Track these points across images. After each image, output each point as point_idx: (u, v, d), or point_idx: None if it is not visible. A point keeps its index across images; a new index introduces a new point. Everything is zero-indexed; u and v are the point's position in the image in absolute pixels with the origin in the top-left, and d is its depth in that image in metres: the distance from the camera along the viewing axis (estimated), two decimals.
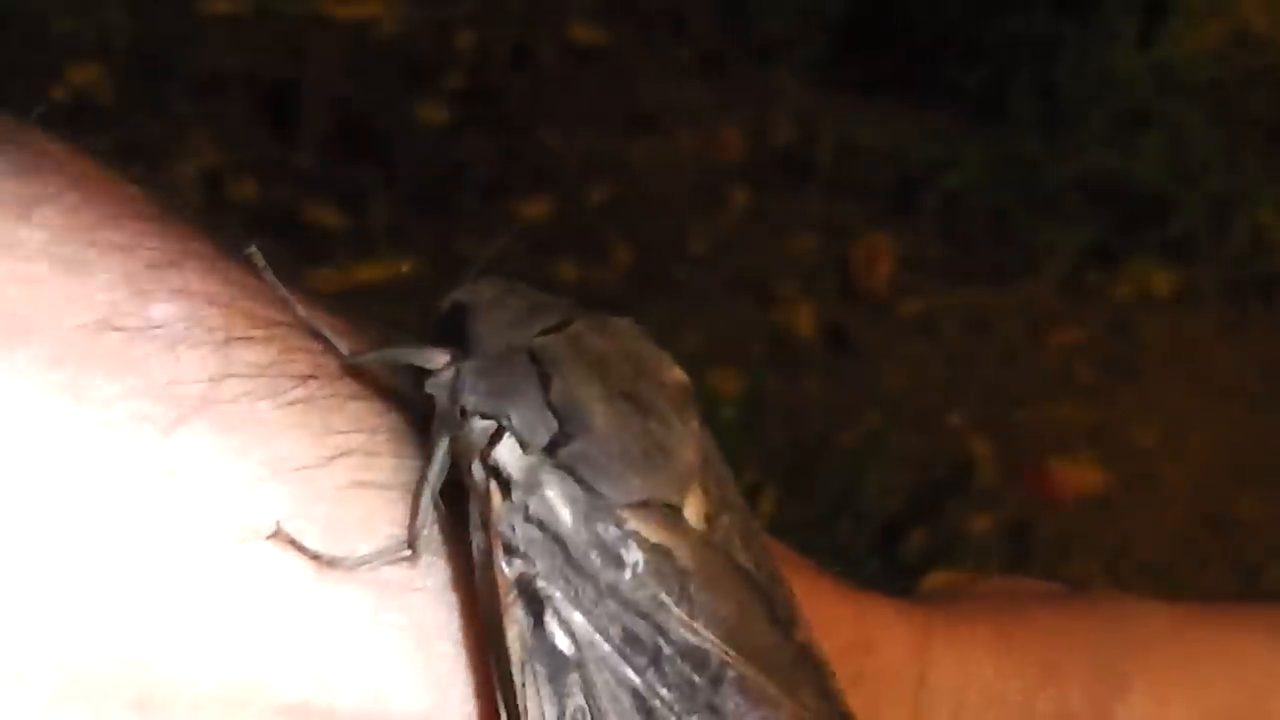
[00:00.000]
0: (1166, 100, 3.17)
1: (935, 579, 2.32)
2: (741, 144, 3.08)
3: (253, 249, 0.52)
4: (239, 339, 0.48)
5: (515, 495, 0.46)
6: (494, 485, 0.46)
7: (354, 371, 0.49)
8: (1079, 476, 2.58)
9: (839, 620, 0.61)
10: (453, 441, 0.47)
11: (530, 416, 0.46)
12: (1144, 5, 3.24)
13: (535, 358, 0.47)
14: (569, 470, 0.46)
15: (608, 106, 3.10)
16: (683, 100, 3.14)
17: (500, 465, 0.46)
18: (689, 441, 0.47)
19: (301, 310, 0.51)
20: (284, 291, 0.51)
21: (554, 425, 0.46)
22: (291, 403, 0.47)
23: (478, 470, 0.47)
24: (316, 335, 0.50)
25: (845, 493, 2.34)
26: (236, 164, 2.84)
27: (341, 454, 0.47)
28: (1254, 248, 2.99)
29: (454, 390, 0.48)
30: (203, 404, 0.46)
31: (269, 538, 0.45)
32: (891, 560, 2.28)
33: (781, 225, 2.95)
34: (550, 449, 0.46)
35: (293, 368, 0.48)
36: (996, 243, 2.94)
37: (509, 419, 0.46)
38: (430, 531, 0.47)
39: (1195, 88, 3.21)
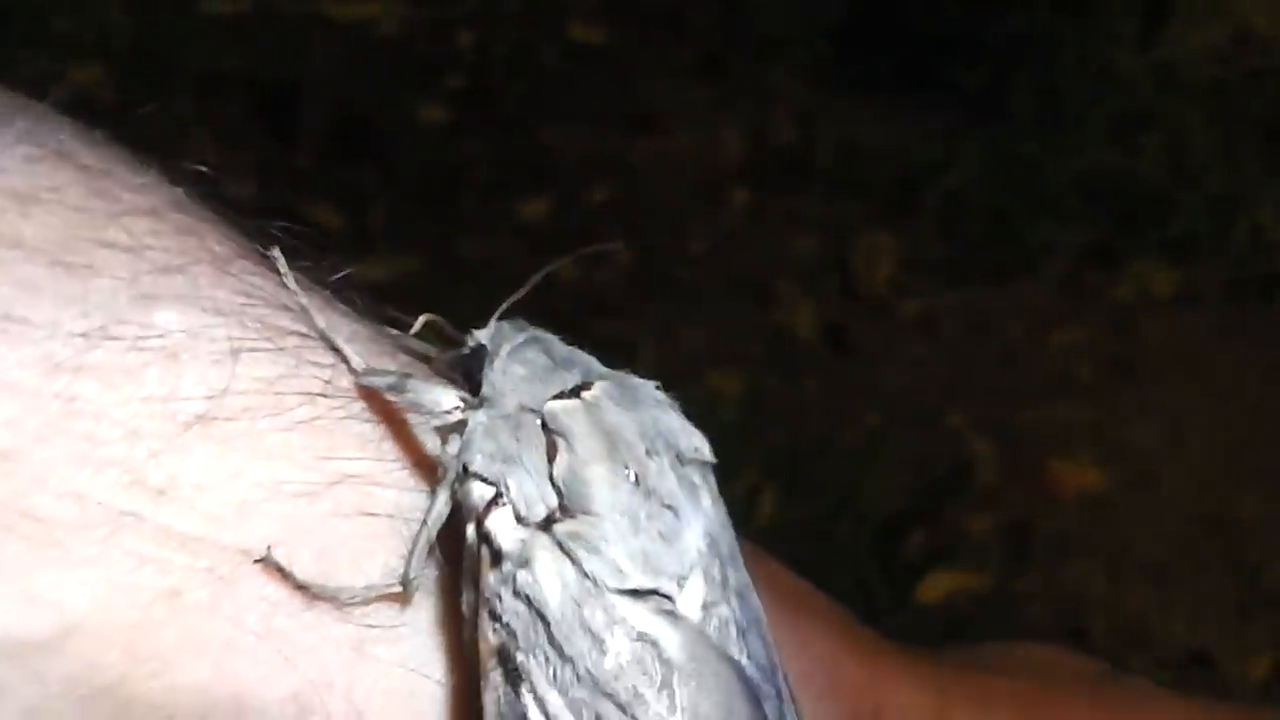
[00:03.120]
0: (1166, 100, 3.17)
1: (938, 581, 2.32)
2: (741, 144, 3.08)
3: (275, 251, 0.51)
4: (247, 350, 0.46)
5: (505, 566, 0.45)
6: (485, 551, 0.45)
7: (367, 391, 0.48)
8: (1079, 476, 2.58)
9: (850, 686, 0.61)
10: (454, 491, 0.46)
11: (530, 488, 0.45)
12: (1144, 5, 3.24)
13: (546, 424, 0.46)
14: (563, 548, 0.45)
15: (608, 106, 3.10)
16: (683, 100, 3.14)
17: (492, 535, 0.45)
18: (695, 526, 0.46)
19: (320, 320, 0.49)
20: (304, 299, 0.49)
21: (554, 500, 0.45)
22: (296, 423, 0.46)
23: (472, 532, 0.46)
24: (332, 348, 0.48)
25: (845, 493, 2.34)
26: (236, 164, 2.84)
27: (344, 479, 0.46)
28: (1254, 248, 2.99)
29: (462, 440, 0.46)
30: (200, 420, 0.44)
31: (258, 563, 0.44)
32: (891, 560, 2.28)
33: (781, 225, 2.95)
34: (547, 523, 0.45)
35: (301, 384, 0.47)
36: (996, 243, 2.94)
37: (508, 488, 0.45)
38: (426, 570, 0.46)
39: (1195, 88, 3.21)
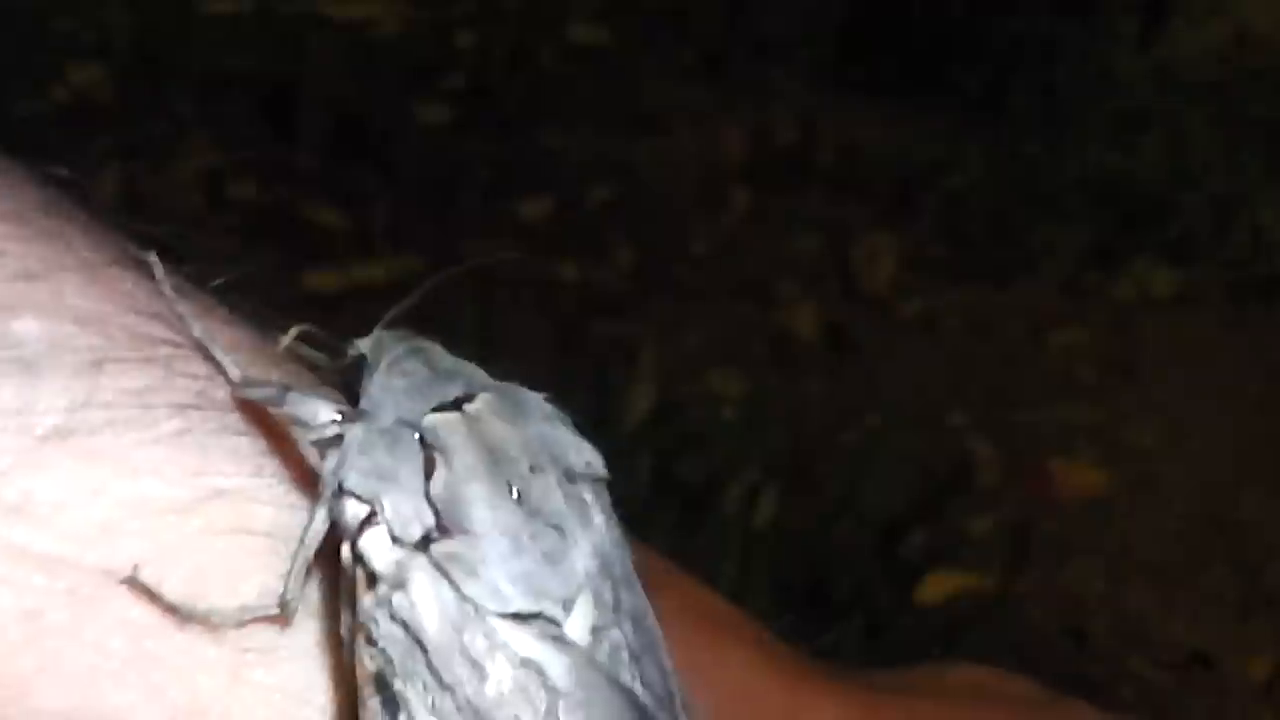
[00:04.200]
0: (1166, 100, 3.17)
1: (938, 581, 2.32)
2: (742, 144, 3.08)
3: (152, 256, 0.47)
4: (113, 361, 0.43)
5: (380, 588, 0.43)
6: (360, 572, 0.43)
7: (245, 403, 0.45)
8: (1079, 476, 2.58)
9: (771, 708, 0.59)
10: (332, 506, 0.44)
11: (405, 507, 0.43)
12: (1144, 5, 3.24)
13: (424, 438, 0.43)
14: (440, 570, 0.42)
15: (608, 106, 3.10)
16: (684, 100, 3.14)
17: (366, 555, 0.43)
18: (583, 546, 0.43)
19: (196, 327, 0.46)
20: (179, 305, 0.46)
21: (430, 519, 0.43)
22: (166, 436, 0.43)
23: (347, 552, 0.43)
24: (208, 358, 0.45)
25: (845, 493, 2.34)
26: (236, 164, 2.84)
27: (217, 495, 0.43)
28: (1254, 248, 2.99)
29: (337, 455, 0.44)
30: (59, 434, 0.42)
31: (123, 583, 0.42)
32: (891, 560, 2.28)
33: (782, 225, 2.95)
34: (424, 544, 0.42)
35: (172, 395, 0.44)
36: (996, 243, 2.94)
37: (382, 507, 0.43)
38: (306, 590, 0.44)
39: (1195, 88, 3.21)
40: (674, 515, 2.15)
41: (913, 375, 2.72)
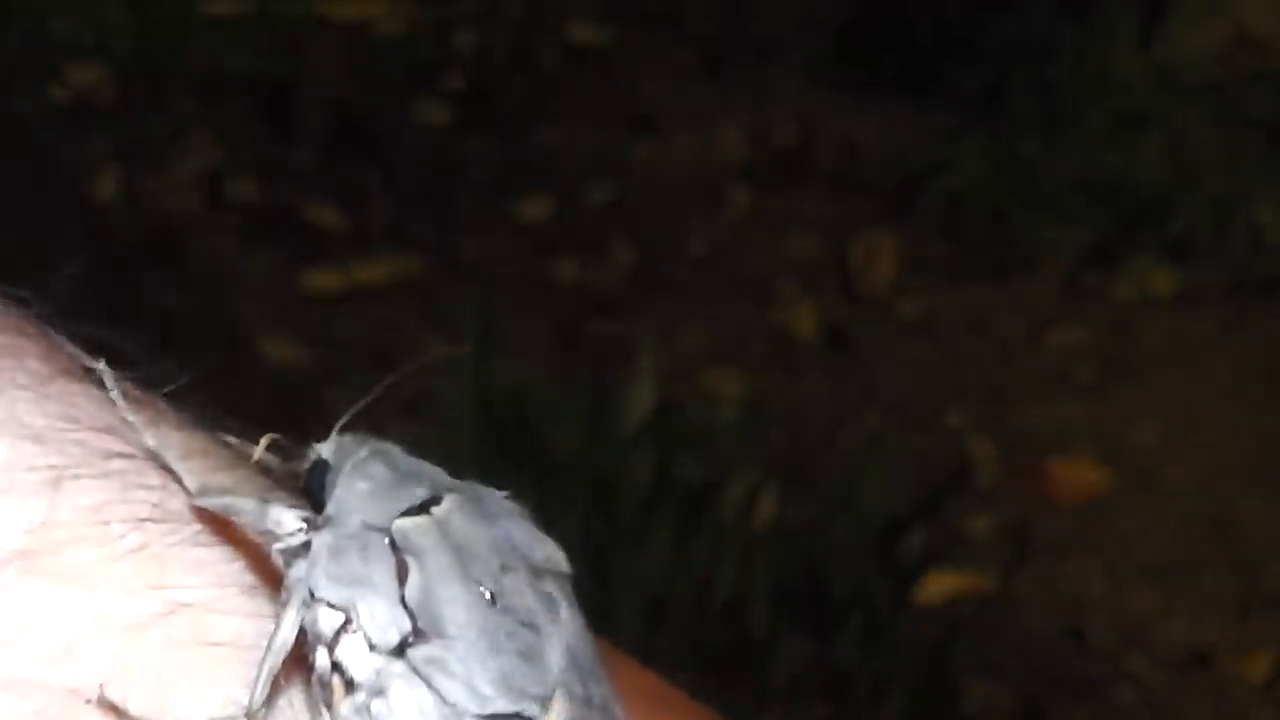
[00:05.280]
0: (1166, 100, 3.17)
1: (938, 581, 2.32)
2: (741, 144, 3.08)
3: (101, 365, 0.46)
4: (69, 478, 0.43)
5: (359, 696, 0.42)
6: (337, 679, 0.43)
7: (203, 512, 0.45)
8: (1079, 476, 2.58)
9: None
10: (301, 613, 0.44)
11: (380, 614, 0.43)
12: (1144, 5, 3.24)
13: (394, 543, 0.43)
14: (419, 675, 0.42)
15: (608, 106, 3.11)
16: (683, 100, 3.14)
17: (343, 664, 0.43)
18: (555, 642, 0.44)
19: (150, 437, 0.45)
20: (131, 415, 0.45)
21: (406, 625, 0.43)
22: (125, 551, 0.43)
23: (322, 658, 0.43)
24: (164, 468, 0.45)
25: (845, 493, 2.34)
26: (236, 164, 2.84)
27: (178, 608, 0.43)
28: (1254, 248, 2.99)
29: (307, 563, 0.44)
30: (21, 556, 0.42)
31: (90, 702, 0.41)
32: (891, 560, 2.28)
33: (781, 225, 2.95)
34: (400, 649, 0.43)
35: (128, 509, 0.44)
36: (996, 243, 2.94)
37: (358, 614, 0.43)
38: (271, 699, 0.43)
39: (1195, 88, 3.21)
40: (674, 515, 2.15)
41: (912, 375, 2.72)
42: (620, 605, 1.99)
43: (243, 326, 2.55)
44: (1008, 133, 3.06)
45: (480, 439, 2.11)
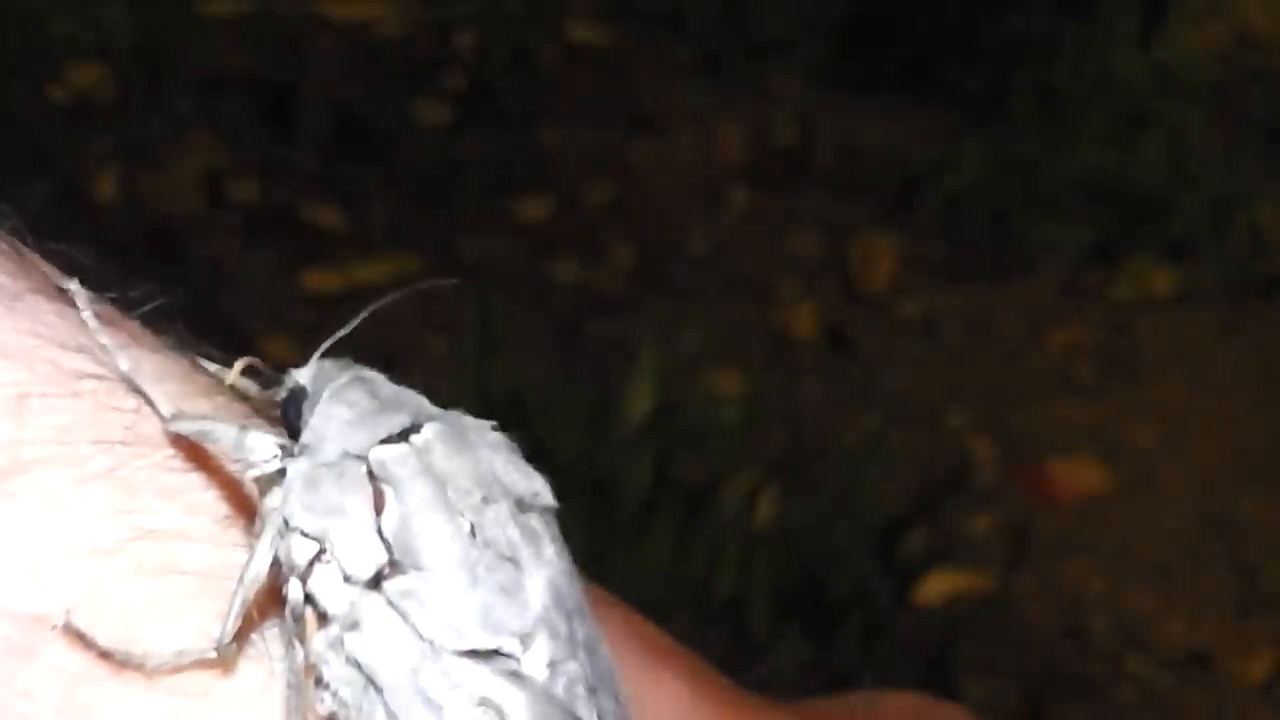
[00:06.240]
0: (1166, 100, 3.17)
1: (938, 581, 2.32)
2: (741, 144, 3.08)
3: (73, 284, 0.45)
4: (37, 396, 0.42)
5: (332, 628, 0.41)
6: (310, 611, 0.42)
7: (177, 437, 0.43)
8: (1079, 476, 2.58)
9: None
10: (276, 544, 0.42)
11: (355, 544, 0.41)
12: (1144, 5, 3.24)
13: (372, 472, 0.42)
14: (395, 608, 0.41)
15: (608, 106, 3.10)
16: (683, 100, 3.14)
17: (316, 595, 0.41)
18: (538, 578, 0.43)
19: (123, 359, 0.44)
20: (104, 336, 0.44)
21: (382, 556, 0.41)
22: (94, 475, 0.42)
23: (295, 590, 0.42)
24: (136, 391, 0.43)
25: (845, 493, 2.34)
26: (236, 164, 2.84)
27: (148, 535, 0.42)
28: (1254, 248, 2.99)
29: (281, 491, 0.43)
30: None
31: (55, 629, 0.40)
32: (891, 560, 2.28)
33: (781, 225, 2.95)
34: (376, 581, 0.41)
35: (99, 431, 0.42)
36: (996, 243, 2.94)
37: (332, 544, 0.41)
38: (244, 630, 0.42)
39: (1195, 88, 3.21)
40: (674, 515, 2.15)
41: (912, 375, 2.72)
42: None
43: (243, 326, 2.55)
44: (1008, 133, 3.06)
45: None
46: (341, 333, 0.46)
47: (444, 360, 2.40)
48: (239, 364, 0.45)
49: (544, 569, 0.43)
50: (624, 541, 2.10)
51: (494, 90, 3.09)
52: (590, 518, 2.05)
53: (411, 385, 0.45)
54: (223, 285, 2.63)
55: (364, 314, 0.46)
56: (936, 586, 2.32)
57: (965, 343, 2.80)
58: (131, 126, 2.85)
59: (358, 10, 3.14)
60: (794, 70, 3.21)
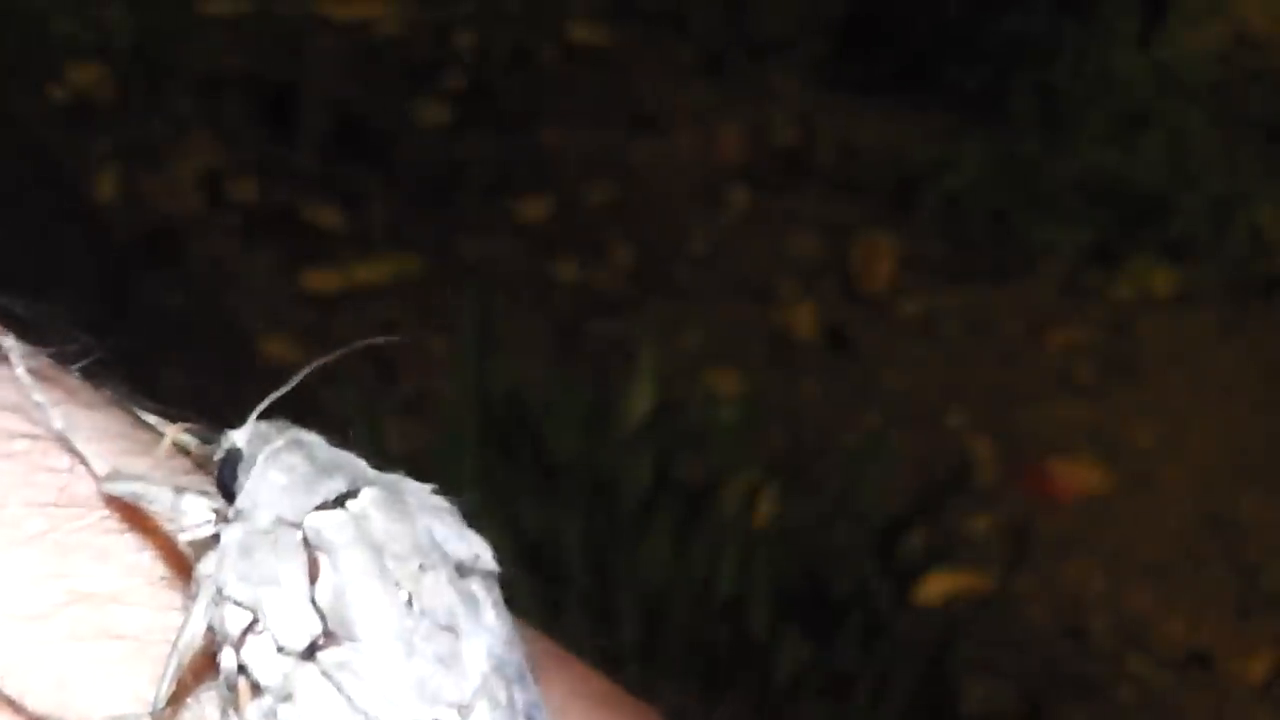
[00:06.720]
0: (1166, 100, 3.17)
1: (938, 581, 2.32)
2: (741, 144, 3.08)
3: (8, 340, 0.44)
4: None
5: (266, 699, 0.41)
6: (244, 681, 0.41)
7: (112, 498, 0.42)
8: (1079, 476, 2.58)
9: None
10: (209, 611, 0.42)
11: (289, 614, 0.41)
12: (1144, 5, 3.24)
13: (307, 539, 0.41)
14: (329, 679, 0.40)
15: (608, 106, 3.11)
16: (683, 100, 3.14)
17: (249, 666, 0.41)
18: (477, 646, 0.42)
19: (58, 418, 0.43)
20: (39, 394, 0.43)
21: (316, 626, 0.41)
22: (27, 538, 0.41)
23: (229, 658, 0.41)
24: (71, 450, 0.43)
25: (845, 493, 2.34)
26: (236, 164, 2.84)
27: (83, 598, 0.41)
28: (1254, 248, 2.99)
29: (215, 557, 0.42)
30: None
31: None
32: (891, 560, 2.28)
33: (781, 225, 2.95)
34: (310, 652, 0.41)
35: (32, 494, 0.42)
36: (996, 243, 2.94)
37: (265, 614, 0.41)
38: (180, 696, 0.41)
39: (1195, 88, 3.21)
40: (674, 515, 2.15)
41: (912, 375, 2.72)
42: (620, 605, 1.99)
43: (243, 326, 2.55)
44: (1007, 133, 3.06)
45: (480, 439, 2.11)
46: (281, 391, 0.44)
47: (444, 360, 2.40)
48: (172, 429, 0.44)
49: (483, 636, 0.42)
50: (624, 541, 2.10)
51: (494, 90, 3.10)
52: (590, 518, 2.05)
53: (348, 448, 0.44)
54: (223, 285, 2.63)
55: (302, 374, 0.45)
56: (936, 586, 2.32)
57: (965, 343, 2.80)
58: (131, 126, 2.85)
59: (357, 10, 3.14)
60: (794, 70, 3.21)
